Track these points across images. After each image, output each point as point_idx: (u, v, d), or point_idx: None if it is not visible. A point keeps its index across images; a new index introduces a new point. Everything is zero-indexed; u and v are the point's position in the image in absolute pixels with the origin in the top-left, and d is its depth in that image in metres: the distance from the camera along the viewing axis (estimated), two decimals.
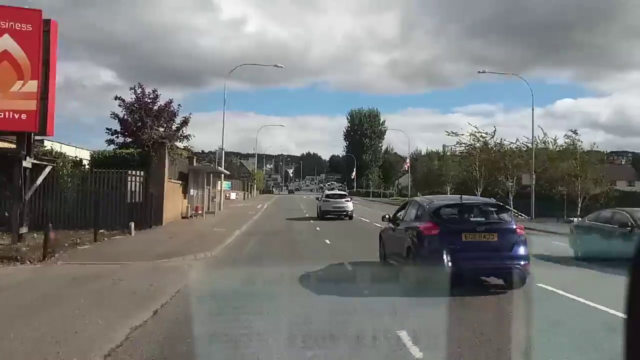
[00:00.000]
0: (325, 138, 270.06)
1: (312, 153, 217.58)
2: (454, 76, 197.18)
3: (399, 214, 10.63)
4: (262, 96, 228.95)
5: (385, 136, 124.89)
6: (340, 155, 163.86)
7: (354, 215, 28.84)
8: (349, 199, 30.21)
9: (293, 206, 44.59)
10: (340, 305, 7.25)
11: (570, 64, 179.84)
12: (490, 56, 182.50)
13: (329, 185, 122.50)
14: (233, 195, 51.82)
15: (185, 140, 28.14)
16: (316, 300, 7.58)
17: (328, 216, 28.05)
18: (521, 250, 8.32)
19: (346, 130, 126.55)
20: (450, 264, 7.86)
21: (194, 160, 24.85)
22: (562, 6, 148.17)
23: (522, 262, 8.23)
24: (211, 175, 29.28)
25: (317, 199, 34.34)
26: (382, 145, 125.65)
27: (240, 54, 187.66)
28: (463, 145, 49.00)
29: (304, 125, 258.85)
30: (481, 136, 46.83)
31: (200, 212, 23.82)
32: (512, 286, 8.16)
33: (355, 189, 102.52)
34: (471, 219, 8.75)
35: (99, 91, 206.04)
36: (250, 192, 65.66)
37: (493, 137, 45.71)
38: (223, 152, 32.65)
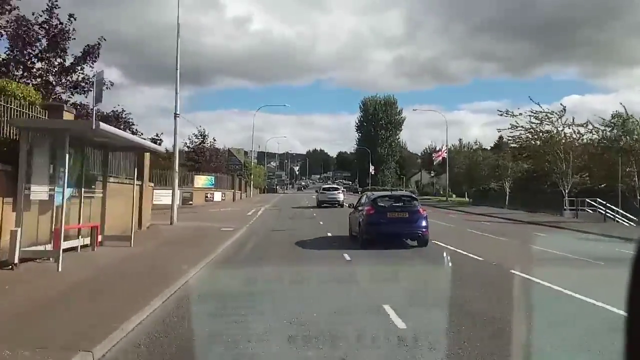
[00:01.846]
0: (331, 136, 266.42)
1: (318, 149, 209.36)
2: (459, 73, 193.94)
3: (359, 202, 15.66)
4: (266, 94, 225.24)
5: (402, 127, 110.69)
6: (349, 152, 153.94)
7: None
8: (339, 191, 37.49)
9: (304, 214, 30.07)
10: None
11: (577, 61, 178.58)
12: (496, 53, 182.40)
13: (337, 183, 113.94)
14: (217, 196, 37.44)
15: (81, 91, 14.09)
16: None
17: (324, 205, 34.42)
18: (422, 223, 13.24)
19: (359, 121, 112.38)
20: (379, 230, 13.13)
21: (64, 111, 10.15)
22: (569, 3, 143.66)
23: (423, 230, 13.19)
24: (136, 157, 14.95)
25: (315, 191, 44.10)
26: (399, 138, 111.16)
27: (245, 52, 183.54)
28: (520, 128, 35.73)
29: (309, 123, 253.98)
30: (546, 116, 33.90)
31: (71, 241, 9.30)
32: (419, 245, 13.13)
33: (370, 187, 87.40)
34: (393, 204, 13.91)
35: (105, 90, 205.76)
36: (246, 191, 51.22)
37: (560, 118, 33.25)
38: (178, 105, 18.13)
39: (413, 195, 15.80)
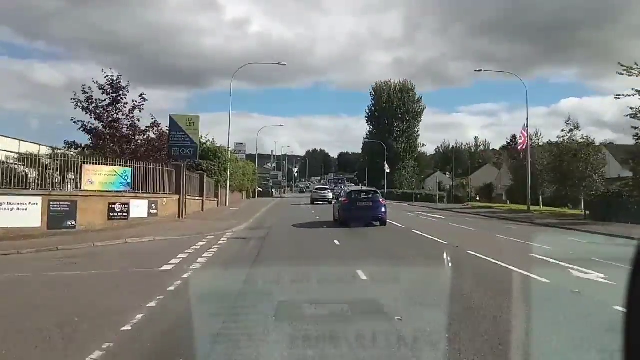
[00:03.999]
0: (331, 138, 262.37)
1: (318, 150, 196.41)
2: (459, 75, 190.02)
3: (339, 195, 24.27)
4: (265, 97, 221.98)
5: (422, 117, 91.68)
6: (351, 152, 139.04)
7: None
8: (328, 191, 46.89)
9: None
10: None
11: (576, 63, 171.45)
12: (495, 54, 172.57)
13: (342, 185, 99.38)
14: (139, 208, 18.23)
15: None
16: None
17: (316, 202, 42.26)
18: (382, 209, 19.10)
19: (369, 111, 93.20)
20: (351, 215, 18.74)
21: None
22: (567, 5, 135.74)
23: (382, 214, 18.97)
24: None
25: (310, 191, 59.28)
26: (418, 130, 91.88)
27: (244, 54, 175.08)
28: None
29: (308, 125, 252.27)
30: None
31: None
32: (380, 225, 18.77)
33: (386, 189, 68.08)
34: (362, 196, 20.18)
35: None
36: (217, 197, 32.12)
37: None
38: None
39: (376, 190, 22.46)
